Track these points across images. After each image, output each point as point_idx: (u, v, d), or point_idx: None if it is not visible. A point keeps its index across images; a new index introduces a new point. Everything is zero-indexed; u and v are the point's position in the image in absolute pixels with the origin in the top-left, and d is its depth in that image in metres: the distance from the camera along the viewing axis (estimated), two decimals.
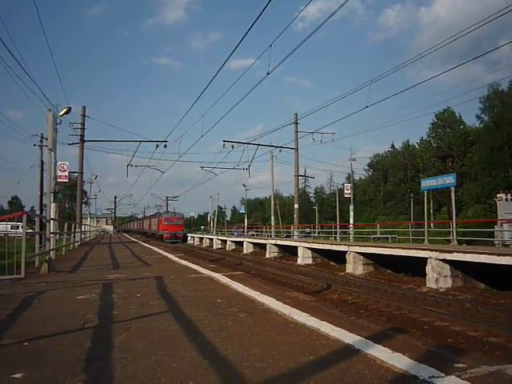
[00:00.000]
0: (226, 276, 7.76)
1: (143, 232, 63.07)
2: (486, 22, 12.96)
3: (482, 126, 57.58)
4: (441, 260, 12.26)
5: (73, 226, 22.08)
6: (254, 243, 31.56)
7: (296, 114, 33.07)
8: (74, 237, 22.43)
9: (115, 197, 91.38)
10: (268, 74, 16.60)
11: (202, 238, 48.45)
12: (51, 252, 10.87)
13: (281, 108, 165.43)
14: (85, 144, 28.95)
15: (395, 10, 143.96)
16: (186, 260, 12.33)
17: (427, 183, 18.84)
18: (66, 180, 22.84)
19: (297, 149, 33.10)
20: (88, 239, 33.88)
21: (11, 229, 29.25)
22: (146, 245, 25.88)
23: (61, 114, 16.70)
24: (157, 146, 29.03)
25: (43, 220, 12.93)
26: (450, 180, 17.49)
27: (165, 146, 28.84)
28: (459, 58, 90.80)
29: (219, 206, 75.92)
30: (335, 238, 30.35)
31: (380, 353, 2.95)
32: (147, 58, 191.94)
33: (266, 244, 27.41)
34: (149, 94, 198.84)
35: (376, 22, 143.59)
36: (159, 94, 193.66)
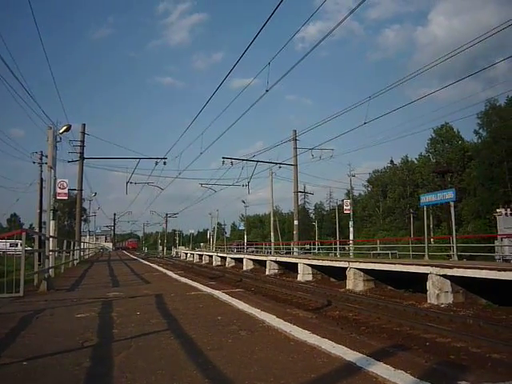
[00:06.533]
0: (226, 293, 7.72)
1: (125, 247, 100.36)
2: (481, 39, 13.10)
3: (480, 141, 57.75)
4: (441, 276, 12.20)
5: (72, 243, 22.04)
6: (253, 260, 31.40)
7: (295, 131, 33.12)
8: (73, 254, 22.36)
9: (114, 214, 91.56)
10: (267, 91, 16.70)
11: (201, 255, 48.32)
12: (50, 270, 10.82)
13: (282, 126, 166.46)
14: (84, 161, 29.03)
15: (394, 30, 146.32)
16: (185, 277, 12.29)
17: (427, 198, 18.83)
18: (66, 197, 22.86)
19: (296, 165, 33.14)
20: (87, 257, 33.75)
21: (10, 246, 29.29)
22: (145, 262, 25.77)
23: (61, 131, 16.73)
24: (156, 163, 29.29)
25: (42, 238, 12.88)
26: (449, 195, 17.50)
27: (164, 163, 29.08)
28: (456, 77, 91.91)
29: (219, 223, 76.13)
30: (335, 254, 30.25)
31: (382, 370, 2.93)
32: (150, 78, 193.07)
33: (265, 261, 27.29)
34: (150, 112, 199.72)
35: (375, 41, 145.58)
36: (160, 112, 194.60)
